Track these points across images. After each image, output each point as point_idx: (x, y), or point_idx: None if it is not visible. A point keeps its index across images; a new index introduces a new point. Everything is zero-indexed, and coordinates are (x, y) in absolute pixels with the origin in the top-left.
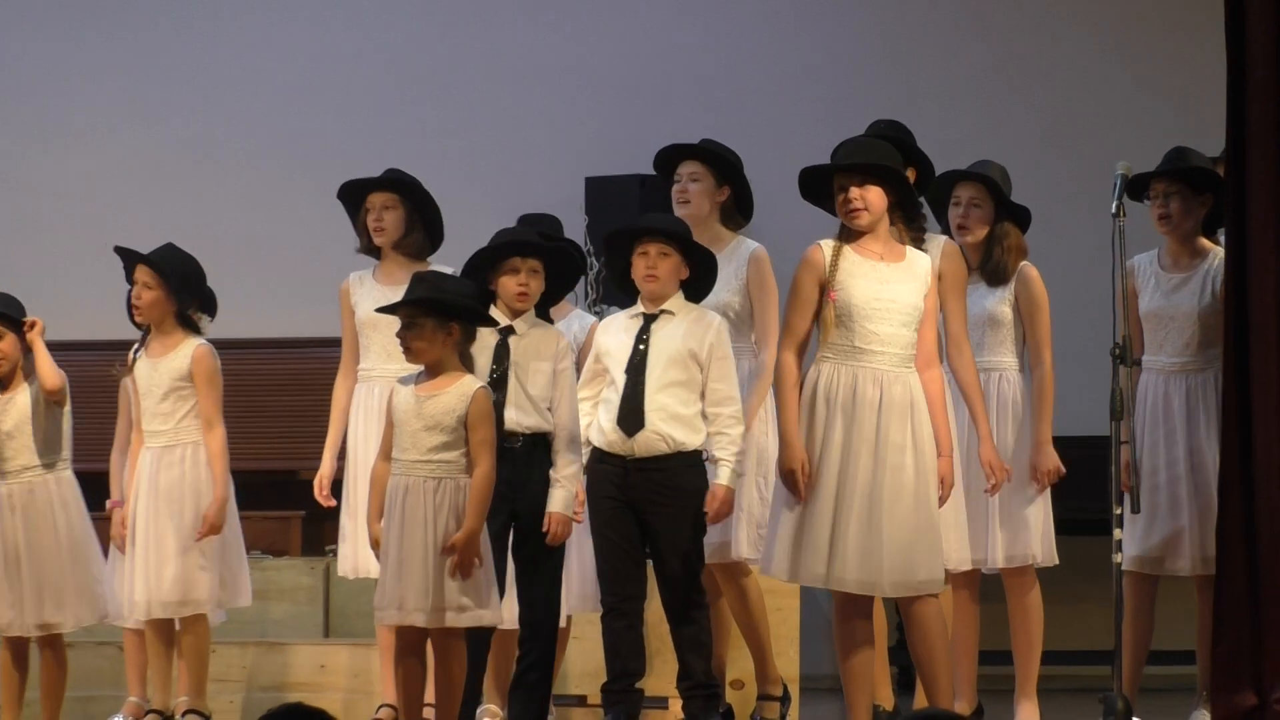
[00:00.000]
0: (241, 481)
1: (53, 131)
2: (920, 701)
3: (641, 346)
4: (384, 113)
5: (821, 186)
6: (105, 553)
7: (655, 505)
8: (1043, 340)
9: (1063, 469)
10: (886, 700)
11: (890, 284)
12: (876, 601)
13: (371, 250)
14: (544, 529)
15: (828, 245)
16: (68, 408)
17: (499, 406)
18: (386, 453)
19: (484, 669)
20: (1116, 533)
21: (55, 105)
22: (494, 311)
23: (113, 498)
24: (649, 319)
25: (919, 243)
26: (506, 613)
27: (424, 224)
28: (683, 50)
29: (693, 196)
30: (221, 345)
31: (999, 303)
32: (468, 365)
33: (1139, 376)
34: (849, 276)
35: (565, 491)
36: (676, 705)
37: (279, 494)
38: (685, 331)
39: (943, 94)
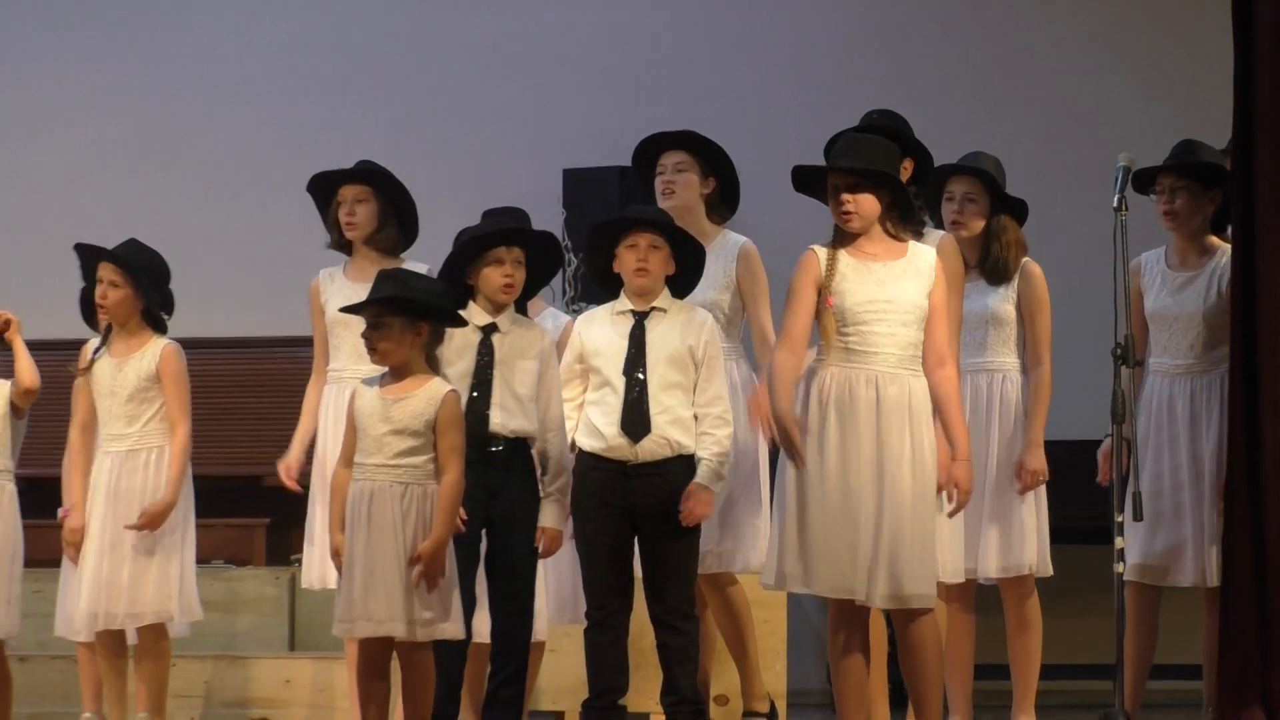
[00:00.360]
0: (204, 488)
1: (8, 125)
2: None
3: (637, 346)
4: (352, 103)
5: (814, 179)
6: (57, 563)
7: (654, 511)
8: (1042, 340)
9: (1047, 474)
10: (883, 719)
11: (888, 284)
12: (875, 614)
13: (342, 245)
14: (535, 543)
15: (821, 251)
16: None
17: (481, 408)
18: (348, 459)
19: (460, 685)
20: (1118, 541)
21: (11, 99)
22: (473, 307)
23: (64, 505)
24: (640, 316)
25: (919, 238)
26: (482, 626)
27: (398, 218)
28: (664, 36)
29: (679, 188)
30: (183, 345)
31: (1001, 301)
32: (434, 367)
33: (1143, 378)
34: (844, 280)
35: (558, 505)
36: None
37: (243, 500)
38: (680, 330)
39: (937, 82)
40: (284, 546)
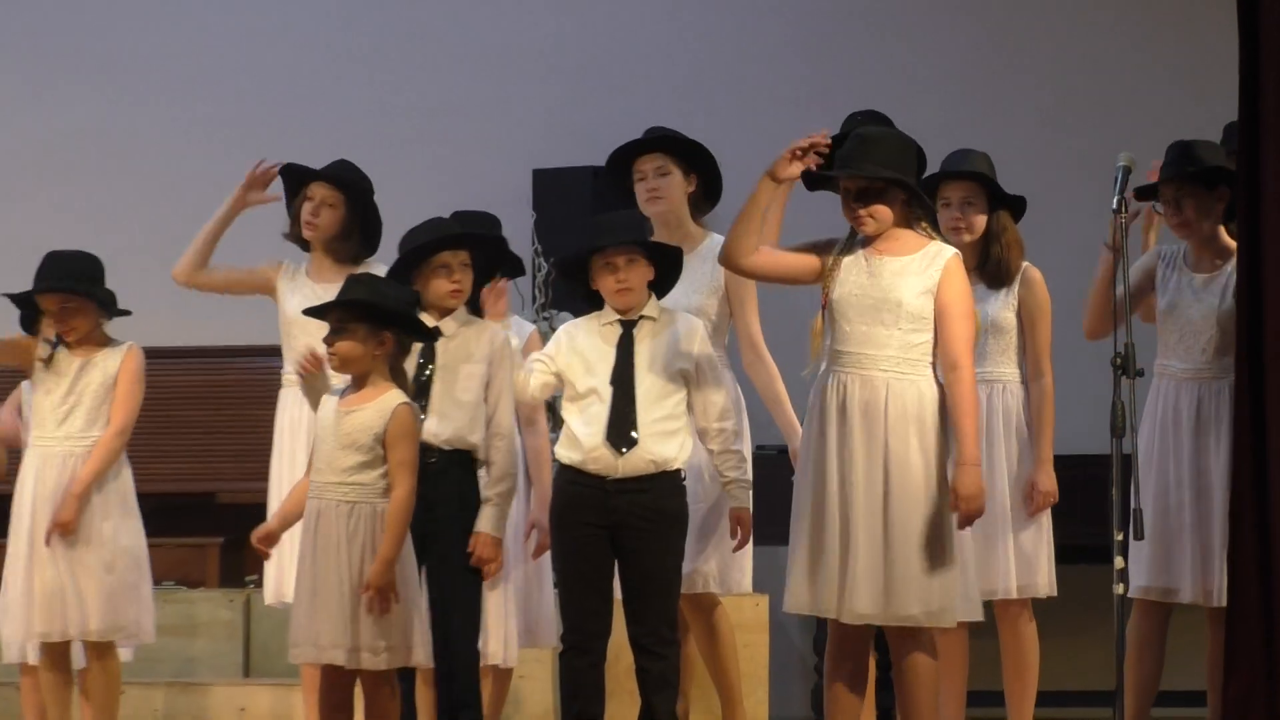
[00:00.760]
0: (153, 505)
1: None
2: None
3: (626, 356)
4: (308, 97)
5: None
6: None
7: (635, 529)
8: (1043, 350)
9: (1058, 494)
10: None
11: (881, 278)
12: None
13: (298, 240)
14: (469, 549)
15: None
16: None
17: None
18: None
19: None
20: (1118, 561)
21: None
22: (422, 318)
23: None
24: (627, 325)
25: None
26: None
27: (362, 232)
28: (640, 28)
29: (665, 192)
30: None
31: (1002, 308)
32: (399, 381)
33: (1151, 382)
34: (840, 271)
35: (497, 510)
36: None
37: (194, 518)
38: (670, 338)
39: (928, 74)
40: (239, 567)
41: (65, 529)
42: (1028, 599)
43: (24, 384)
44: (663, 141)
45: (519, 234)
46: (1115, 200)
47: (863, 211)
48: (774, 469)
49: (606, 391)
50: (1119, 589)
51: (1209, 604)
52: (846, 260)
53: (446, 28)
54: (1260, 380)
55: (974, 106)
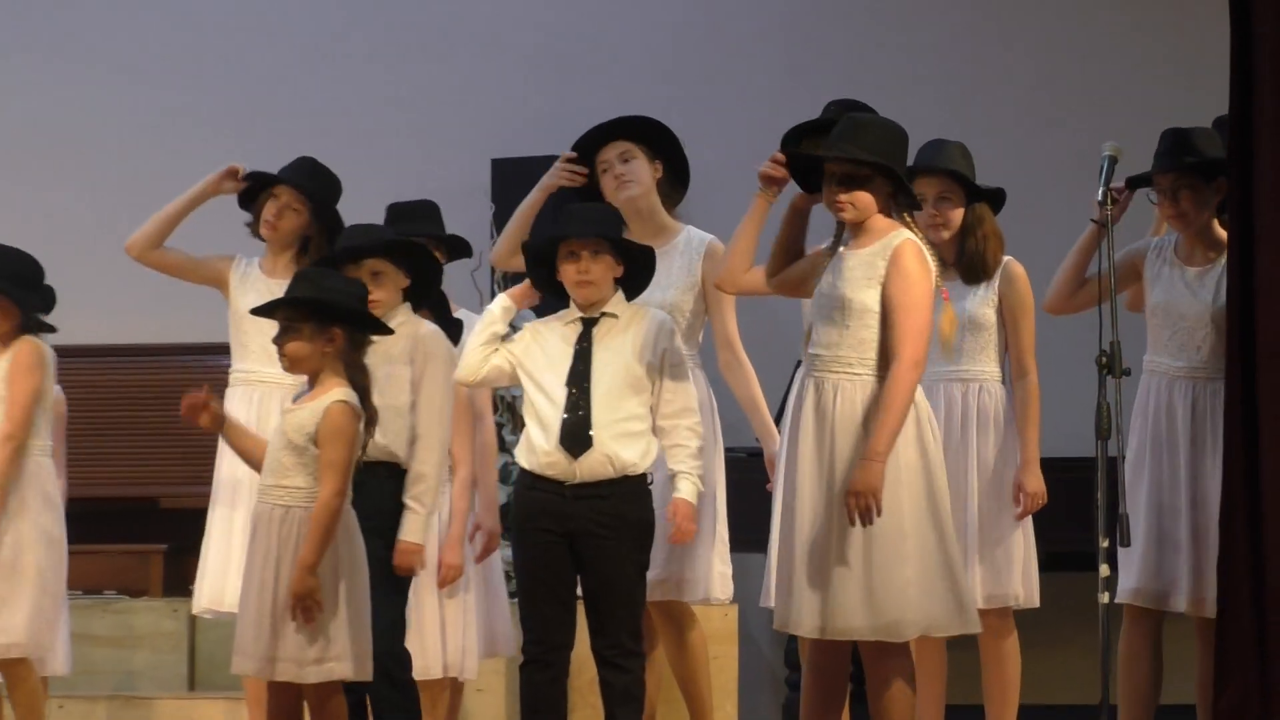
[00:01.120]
0: (90, 510)
1: None
2: None
3: (583, 356)
4: (258, 87)
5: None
6: None
7: (595, 537)
8: (1026, 348)
9: (1046, 496)
10: None
11: (840, 274)
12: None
13: (257, 234)
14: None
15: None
16: None
17: None
18: None
19: None
20: (1103, 568)
21: None
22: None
23: None
24: (588, 323)
25: None
26: (421, 661)
27: (323, 236)
28: (603, 12)
29: (632, 176)
30: (68, 353)
31: (981, 304)
32: (358, 379)
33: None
34: (821, 270)
35: (415, 516)
36: None
37: (136, 525)
38: (633, 336)
39: (907, 62)
40: (182, 575)
41: None
42: (1008, 609)
43: None
44: (625, 125)
45: (477, 225)
46: (1100, 191)
47: (843, 197)
48: (743, 473)
49: (561, 394)
50: (1104, 597)
51: (1199, 613)
52: (831, 258)
53: (404, 17)
54: (1253, 379)
55: (956, 94)
